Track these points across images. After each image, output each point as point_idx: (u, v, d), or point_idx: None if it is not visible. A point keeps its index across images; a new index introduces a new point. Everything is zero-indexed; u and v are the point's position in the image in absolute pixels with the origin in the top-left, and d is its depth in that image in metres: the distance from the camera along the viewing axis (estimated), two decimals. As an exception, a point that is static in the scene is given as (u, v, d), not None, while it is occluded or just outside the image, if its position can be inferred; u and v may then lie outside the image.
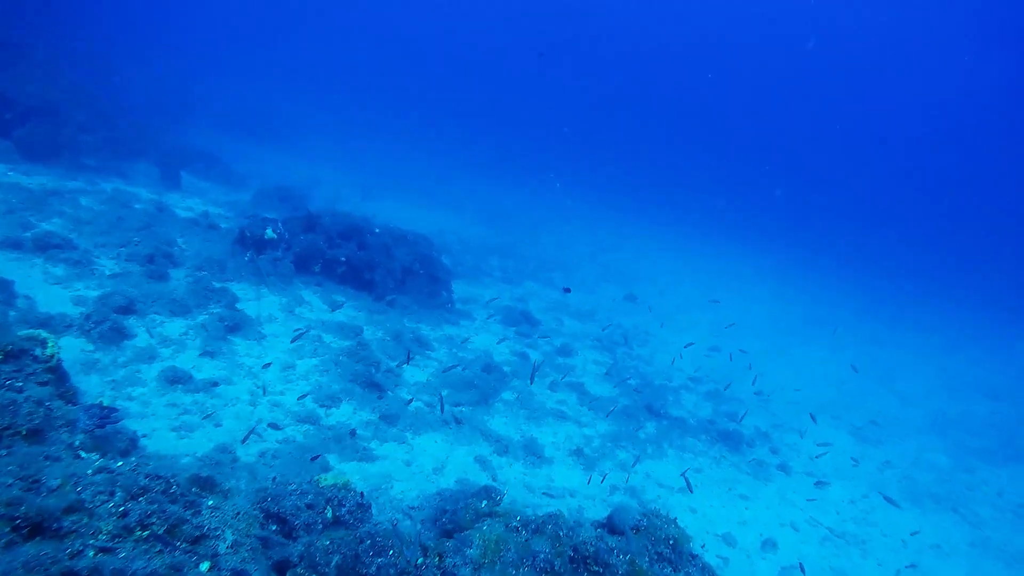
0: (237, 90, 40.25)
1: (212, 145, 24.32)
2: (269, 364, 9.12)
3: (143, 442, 6.46)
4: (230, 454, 6.82)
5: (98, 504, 2.98)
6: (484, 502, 6.10)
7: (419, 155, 41.50)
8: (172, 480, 3.45)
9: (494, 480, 8.58)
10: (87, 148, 16.67)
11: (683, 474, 9.98)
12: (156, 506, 3.16)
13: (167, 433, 6.90)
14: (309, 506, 5.76)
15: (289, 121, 38.20)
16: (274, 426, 7.67)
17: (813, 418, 12.61)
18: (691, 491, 9.45)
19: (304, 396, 8.50)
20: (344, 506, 5.94)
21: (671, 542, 5.43)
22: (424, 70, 76.32)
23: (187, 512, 3.35)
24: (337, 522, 5.97)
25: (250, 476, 6.67)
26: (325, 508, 5.83)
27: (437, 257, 15.02)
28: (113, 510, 2.98)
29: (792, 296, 29.36)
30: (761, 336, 21.38)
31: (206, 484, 4.12)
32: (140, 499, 3.16)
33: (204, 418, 7.40)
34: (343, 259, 13.36)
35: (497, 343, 13.29)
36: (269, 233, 12.98)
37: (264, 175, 23.78)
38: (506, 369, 12.07)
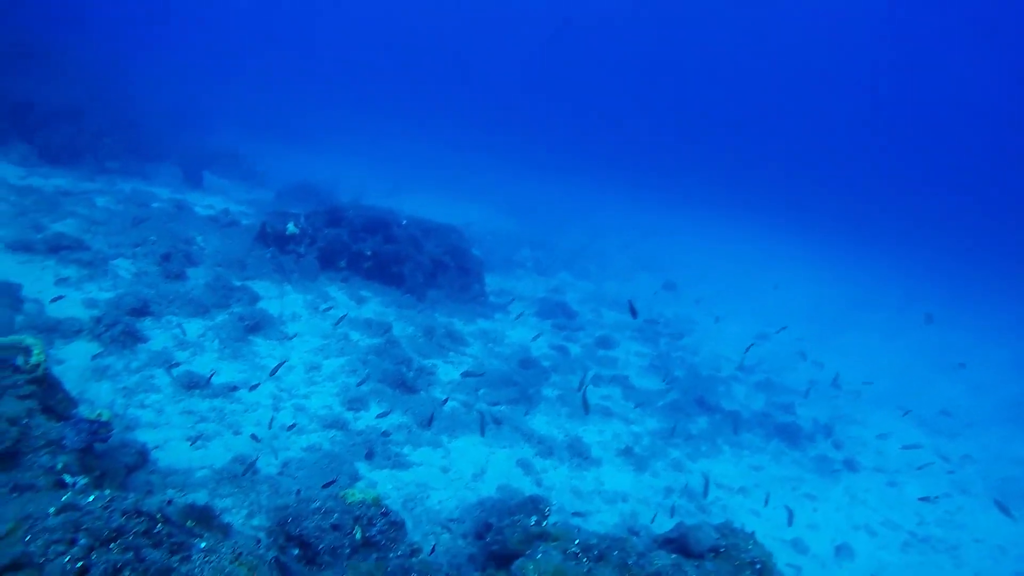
0: (259, 91, 40.09)
1: (234, 145, 23.93)
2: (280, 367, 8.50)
3: (155, 455, 5.87)
4: (250, 466, 6.20)
5: (51, 557, 2.31)
6: (533, 518, 5.34)
7: (445, 150, 40.80)
8: (159, 516, 2.75)
9: (539, 485, 7.83)
10: (109, 151, 16.31)
11: (784, 506, 8.58)
12: (131, 554, 2.48)
13: (181, 443, 6.30)
14: (335, 527, 5.08)
15: (313, 121, 37.81)
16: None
17: (903, 413, 11.34)
18: (790, 525, 8.29)
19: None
20: (375, 525, 5.25)
21: (757, 567, 4.59)
22: (447, 63, 75.57)
23: (173, 558, 2.65)
24: (367, 544, 5.27)
25: (271, 490, 6.04)
26: (353, 528, 5.15)
27: (468, 249, 14.28)
28: (68, 567, 2.30)
29: (833, 279, 27.83)
30: (809, 321, 20.14)
31: (202, 517, 3.43)
32: (111, 545, 2.49)
33: (222, 425, 6.80)
34: (369, 253, 12.70)
35: (534, 338, 12.50)
36: (291, 228, 12.39)
37: (288, 173, 23.28)
38: (545, 364, 11.29)
